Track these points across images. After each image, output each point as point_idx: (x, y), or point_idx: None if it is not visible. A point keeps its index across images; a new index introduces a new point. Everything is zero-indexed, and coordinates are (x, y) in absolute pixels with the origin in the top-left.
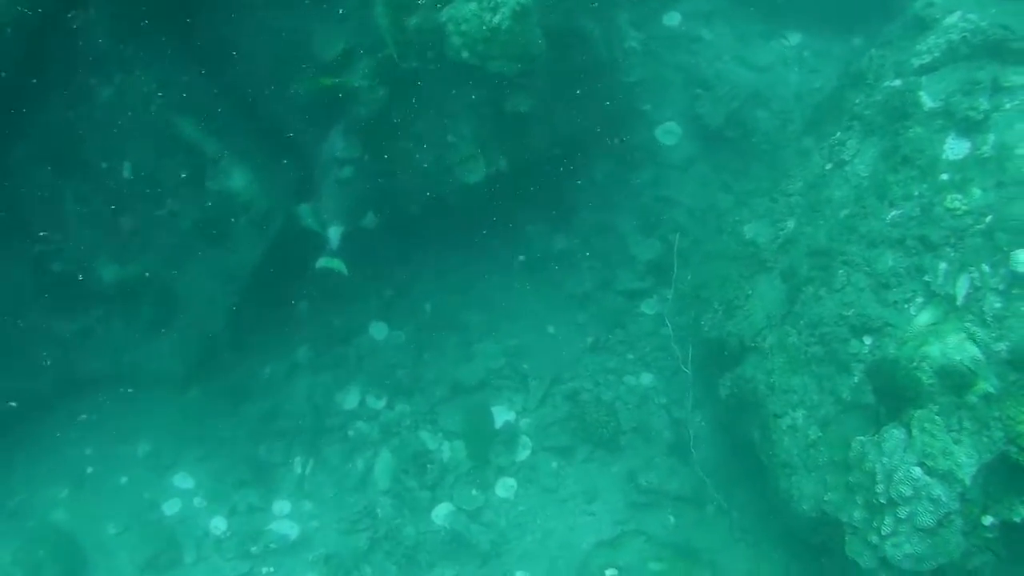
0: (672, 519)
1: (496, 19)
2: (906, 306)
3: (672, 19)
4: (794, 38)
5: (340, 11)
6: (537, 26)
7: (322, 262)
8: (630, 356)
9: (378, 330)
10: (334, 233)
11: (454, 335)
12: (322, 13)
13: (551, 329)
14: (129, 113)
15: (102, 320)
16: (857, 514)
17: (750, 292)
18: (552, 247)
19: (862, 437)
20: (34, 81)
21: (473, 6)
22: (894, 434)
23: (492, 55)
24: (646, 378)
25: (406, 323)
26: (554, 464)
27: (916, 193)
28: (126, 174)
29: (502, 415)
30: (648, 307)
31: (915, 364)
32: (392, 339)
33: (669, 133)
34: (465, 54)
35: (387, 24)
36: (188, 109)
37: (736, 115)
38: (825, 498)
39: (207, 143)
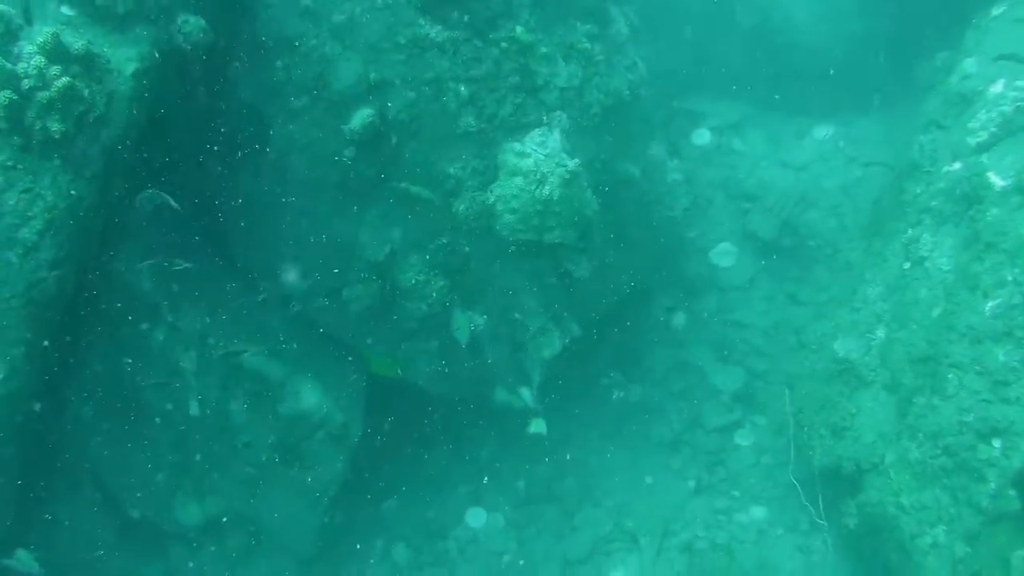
0: None
1: (547, 191)
2: None
3: (701, 137)
4: (825, 130)
5: (383, 210)
6: (587, 188)
7: (533, 427)
8: (736, 493)
9: (475, 517)
10: (527, 394)
11: (552, 507)
12: (364, 216)
13: (649, 480)
14: (186, 351)
15: (191, 558)
16: None
17: (854, 411)
18: (630, 397)
19: (1022, 551)
20: (87, 333)
21: (519, 181)
22: None
23: (548, 227)
24: (758, 512)
25: (502, 504)
26: None
27: (1010, 278)
28: (193, 412)
29: None
30: (743, 438)
31: None
32: (491, 524)
33: (725, 255)
34: (520, 230)
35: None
36: (245, 335)
37: (789, 222)
38: None
39: (270, 367)
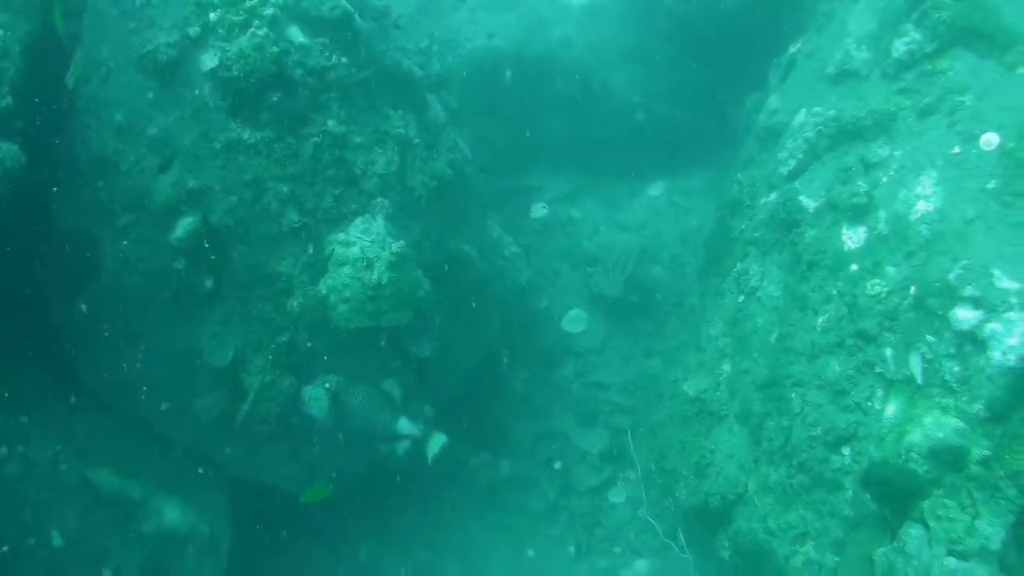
0: None
1: (375, 276)
2: (870, 403)
3: (539, 211)
4: (657, 188)
5: (220, 316)
6: (416, 268)
7: (433, 444)
8: (617, 550)
9: None
10: (406, 424)
11: None
12: (203, 324)
13: (531, 552)
14: (40, 481)
15: None
16: None
17: (713, 447)
18: (500, 472)
19: (883, 548)
20: None
21: (347, 270)
22: (912, 534)
23: (382, 311)
24: (641, 565)
25: None
26: None
27: (834, 292)
28: (56, 543)
29: None
30: (616, 495)
31: (903, 457)
32: None
33: (575, 320)
34: (355, 318)
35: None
36: (98, 459)
37: (633, 279)
38: None
39: (128, 488)
